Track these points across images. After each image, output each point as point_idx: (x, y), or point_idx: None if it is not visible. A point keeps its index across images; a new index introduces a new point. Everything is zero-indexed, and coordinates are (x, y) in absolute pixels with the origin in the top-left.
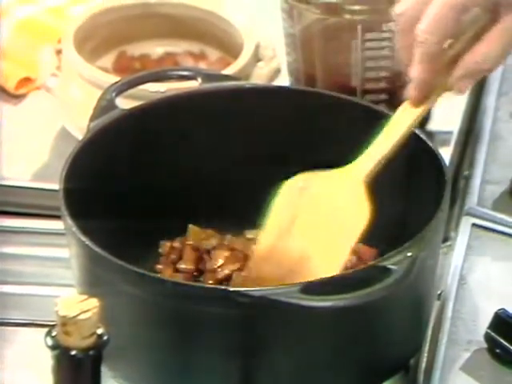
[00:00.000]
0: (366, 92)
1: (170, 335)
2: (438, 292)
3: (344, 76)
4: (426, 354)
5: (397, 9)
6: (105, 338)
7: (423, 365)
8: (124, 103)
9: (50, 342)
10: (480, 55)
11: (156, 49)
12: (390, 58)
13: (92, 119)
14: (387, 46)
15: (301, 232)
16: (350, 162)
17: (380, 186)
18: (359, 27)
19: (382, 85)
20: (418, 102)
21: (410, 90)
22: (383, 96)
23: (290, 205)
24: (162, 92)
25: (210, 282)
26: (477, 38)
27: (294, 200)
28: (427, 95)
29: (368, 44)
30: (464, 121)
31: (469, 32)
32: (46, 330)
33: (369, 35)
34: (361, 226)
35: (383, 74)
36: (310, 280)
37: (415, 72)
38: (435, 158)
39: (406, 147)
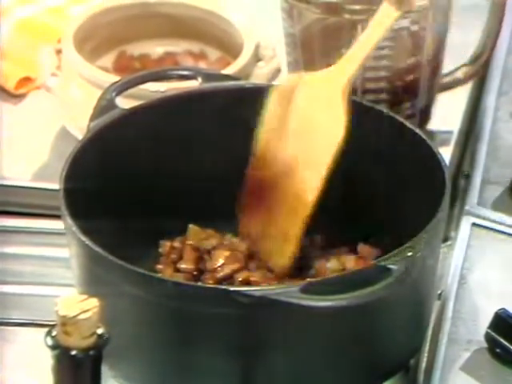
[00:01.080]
0: (366, 91)
1: (170, 335)
2: (439, 292)
3: None
4: (426, 354)
5: None
6: (105, 337)
7: (423, 365)
8: (124, 103)
9: (50, 341)
10: None
11: (156, 48)
12: (389, 58)
13: (92, 119)
14: (387, 45)
15: (291, 134)
16: (350, 162)
17: (380, 185)
18: (359, 27)
19: (382, 84)
20: (395, 3)
21: None
22: (383, 96)
23: (282, 105)
24: (162, 92)
25: (210, 281)
26: None
27: (285, 100)
28: None
29: None
30: (464, 120)
31: None
32: (46, 329)
33: None
34: (339, 133)
35: (383, 73)
36: (310, 280)
37: None
38: (436, 158)
39: (407, 147)
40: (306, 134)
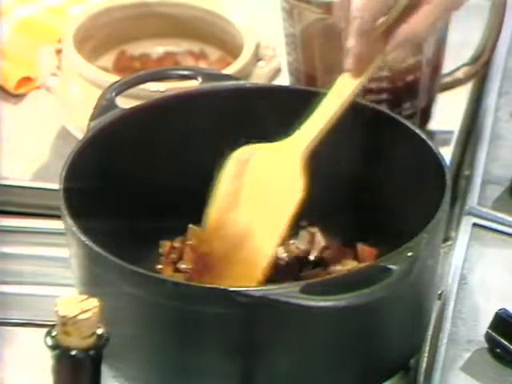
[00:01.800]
0: (367, 92)
1: (170, 335)
2: (439, 292)
3: None
4: (426, 354)
5: None
6: (105, 337)
7: (423, 365)
8: (124, 103)
9: (49, 341)
10: (415, 25)
11: (156, 48)
12: None
13: (92, 119)
14: None
15: (245, 205)
16: (350, 163)
17: (380, 185)
18: None
19: (383, 84)
20: (355, 74)
21: (347, 62)
22: (384, 95)
23: (236, 177)
24: (162, 91)
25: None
26: (408, 8)
27: (238, 172)
28: (363, 66)
29: None
30: (464, 121)
31: (400, 3)
32: (45, 329)
33: None
34: (295, 200)
35: (384, 73)
36: (310, 281)
37: (350, 44)
38: (436, 158)
39: (407, 147)
40: (260, 202)
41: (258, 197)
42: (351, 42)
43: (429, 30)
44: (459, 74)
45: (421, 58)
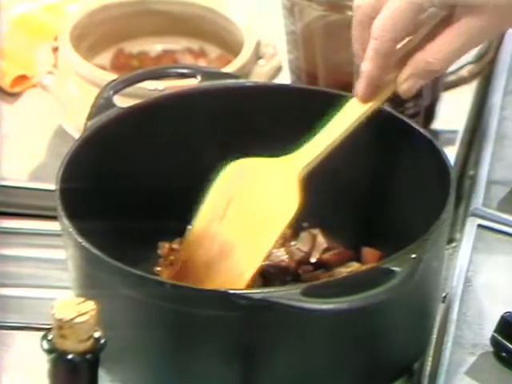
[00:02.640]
0: None
1: (169, 338)
2: (443, 294)
3: (346, 74)
4: (430, 358)
5: (356, 0)
6: (102, 341)
7: (428, 369)
8: (122, 101)
9: (46, 345)
10: (432, 55)
11: (154, 46)
12: None
13: (89, 118)
14: None
15: (232, 218)
16: (352, 163)
17: (383, 186)
18: None
19: None
20: (365, 98)
21: (359, 85)
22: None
23: (227, 190)
24: (161, 90)
25: None
26: (428, 37)
27: (231, 185)
28: (375, 92)
29: None
30: (469, 120)
31: (421, 31)
32: (42, 333)
33: None
34: (287, 218)
35: None
36: (311, 283)
37: (366, 67)
38: (440, 158)
39: (411, 146)
40: (250, 215)
41: (248, 211)
42: (366, 65)
43: (447, 61)
44: (464, 73)
45: None
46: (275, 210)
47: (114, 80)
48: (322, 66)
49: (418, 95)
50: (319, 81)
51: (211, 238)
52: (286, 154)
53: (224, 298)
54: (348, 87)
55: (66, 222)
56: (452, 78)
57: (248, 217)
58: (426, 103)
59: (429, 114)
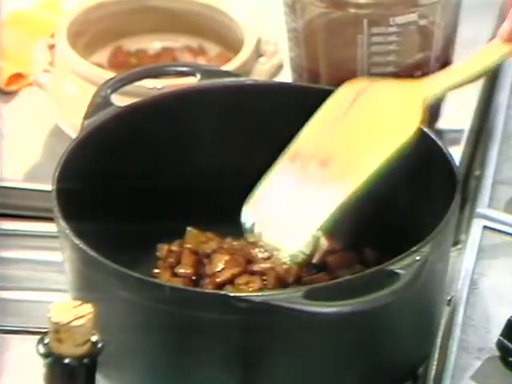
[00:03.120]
0: None
1: (168, 342)
2: (448, 297)
3: (349, 72)
4: (435, 363)
5: None
6: (99, 345)
7: (432, 373)
8: (120, 100)
9: (42, 349)
10: None
11: (153, 44)
12: (397, 53)
13: (86, 117)
14: (394, 40)
15: (346, 130)
16: None
17: (387, 186)
18: (365, 21)
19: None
20: (509, 39)
21: (504, 26)
22: None
23: (342, 104)
24: (160, 89)
25: (210, 286)
26: None
27: (347, 101)
28: None
29: (374, 39)
30: (475, 119)
31: None
32: (38, 337)
33: (375, 30)
34: (407, 135)
35: (391, 69)
36: (313, 286)
37: None
38: (445, 158)
39: (415, 146)
40: (369, 126)
41: (363, 125)
42: None
43: None
44: None
45: (429, 54)
46: (393, 128)
47: (111, 78)
48: (323, 64)
49: None
50: (321, 79)
51: (321, 146)
52: (286, 154)
53: (224, 301)
54: None
55: (62, 223)
56: None
57: (362, 131)
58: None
59: (434, 113)
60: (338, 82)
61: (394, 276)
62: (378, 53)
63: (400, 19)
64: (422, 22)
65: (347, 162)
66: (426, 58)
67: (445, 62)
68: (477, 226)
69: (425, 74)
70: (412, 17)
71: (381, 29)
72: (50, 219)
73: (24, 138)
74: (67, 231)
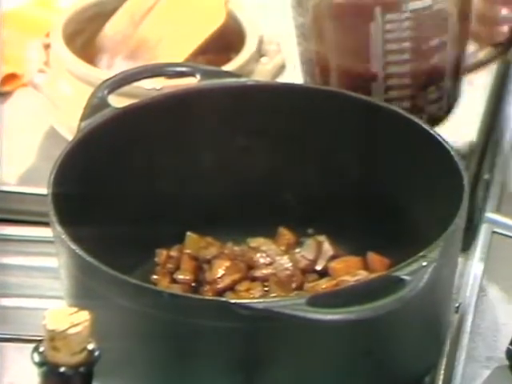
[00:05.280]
0: (388, 77)
1: (167, 350)
2: (456, 304)
3: (362, 61)
4: (442, 371)
5: None
6: (96, 353)
7: (439, 382)
8: (117, 101)
9: (37, 358)
10: None
11: None
12: (412, 40)
13: (83, 118)
14: (409, 26)
15: (157, 17)
16: (361, 167)
17: (394, 190)
18: (378, 9)
19: (406, 68)
20: None
21: None
22: (407, 80)
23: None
24: (158, 89)
25: (210, 293)
26: None
27: None
28: None
29: (388, 26)
30: (483, 124)
31: None
32: (32, 345)
33: (389, 16)
34: (213, 26)
35: (406, 56)
36: (317, 292)
37: None
38: (452, 161)
39: (423, 150)
40: (180, 13)
41: (174, 12)
42: None
43: None
44: (481, 56)
45: (445, 39)
46: (202, 17)
47: (108, 79)
48: (335, 56)
49: (439, 79)
50: (332, 72)
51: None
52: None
53: (225, 308)
54: (366, 76)
55: (58, 228)
56: (469, 61)
57: (172, 18)
58: (448, 86)
59: (452, 97)
60: (350, 74)
61: (399, 282)
62: (392, 40)
63: (414, 4)
64: (437, 7)
65: (155, 54)
66: (442, 43)
67: (461, 45)
68: (485, 231)
69: (441, 59)
70: (426, 2)
71: (394, 15)
72: (45, 224)
73: (19, 140)
74: (63, 236)
